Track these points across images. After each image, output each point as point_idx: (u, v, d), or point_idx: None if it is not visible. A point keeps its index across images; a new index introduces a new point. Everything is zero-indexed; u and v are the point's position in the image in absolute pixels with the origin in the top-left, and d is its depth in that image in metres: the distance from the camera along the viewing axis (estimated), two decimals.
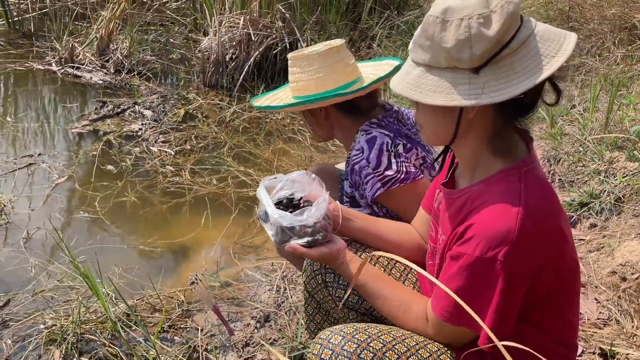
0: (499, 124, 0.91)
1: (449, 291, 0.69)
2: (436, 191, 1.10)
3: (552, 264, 0.89)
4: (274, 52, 3.41)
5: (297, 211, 1.06)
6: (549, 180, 2.04)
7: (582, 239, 1.77)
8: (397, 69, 1.39)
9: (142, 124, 2.85)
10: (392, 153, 1.32)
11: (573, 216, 1.88)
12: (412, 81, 0.88)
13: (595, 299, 1.53)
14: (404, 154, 1.33)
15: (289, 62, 1.42)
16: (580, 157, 2.10)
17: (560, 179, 2.09)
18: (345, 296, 1.15)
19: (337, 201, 1.20)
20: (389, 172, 1.30)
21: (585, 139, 2.16)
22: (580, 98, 2.60)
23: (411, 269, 1.21)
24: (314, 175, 1.16)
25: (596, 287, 1.56)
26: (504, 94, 0.85)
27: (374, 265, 1.17)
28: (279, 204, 1.13)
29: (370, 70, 1.46)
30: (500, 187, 0.89)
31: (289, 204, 1.14)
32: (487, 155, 0.93)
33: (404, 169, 1.31)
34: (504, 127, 0.92)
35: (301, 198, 1.16)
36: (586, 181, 2.00)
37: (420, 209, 1.21)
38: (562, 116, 2.43)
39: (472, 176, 0.96)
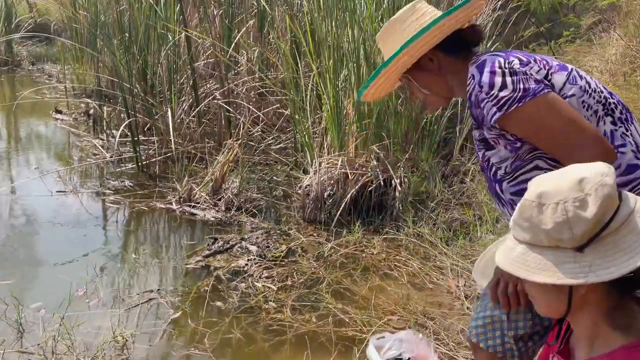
0: (614, 297, 0.92)
1: None
2: (550, 355, 1.09)
3: None
4: (369, 189, 3.61)
5: None
6: None
7: None
8: None
9: (248, 260, 3.06)
10: (507, 70, 1.18)
11: None
12: (517, 258, 0.92)
13: None
14: (522, 69, 1.18)
15: (380, 44, 1.41)
16: None
17: None
18: None
19: None
20: (503, 93, 1.17)
21: None
22: None
23: None
24: (421, 334, 1.21)
25: None
26: (612, 273, 0.86)
27: None
28: None
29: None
30: None
31: None
32: (605, 328, 0.93)
33: (522, 86, 1.16)
34: (621, 300, 0.92)
35: (409, 358, 1.20)
36: None
37: None
38: None
39: (591, 348, 0.95)
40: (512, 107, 1.16)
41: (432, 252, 3.11)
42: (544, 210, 0.89)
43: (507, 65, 1.18)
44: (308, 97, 4.00)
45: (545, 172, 1.18)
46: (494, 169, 1.30)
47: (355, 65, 3.67)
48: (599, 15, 4.44)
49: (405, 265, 3.01)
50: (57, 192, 3.98)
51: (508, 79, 1.16)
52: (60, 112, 5.97)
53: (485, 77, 1.19)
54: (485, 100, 1.19)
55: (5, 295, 2.55)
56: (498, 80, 1.17)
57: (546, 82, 1.19)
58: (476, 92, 1.20)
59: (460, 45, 1.33)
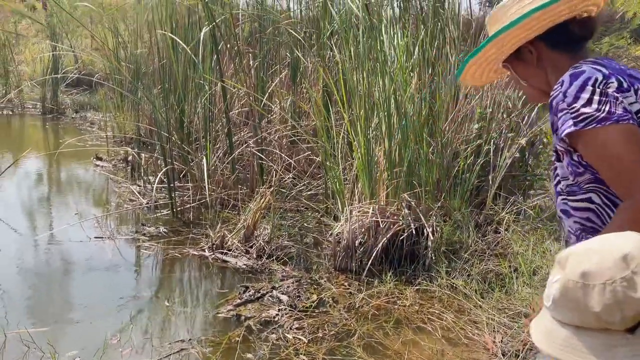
0: None
1: None
2: None
3: None
4: (401, 238, 3.57)
5: None
6: None
7: None
8: None
9: (279, 310, 3.04)
10: (598, 90, 1.11)
11: None
12: (564, 342, 0.88)
13: None
14: (615, 94, 1.11)
15: (488, 28, 1.32)
16: None
17: None
18: None
19: None
20: (586, 109, 1.10)
21: None
22: None
23: None
24: None
25: None
26: None
27: None
28: None
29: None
30: None
31: None
32: None
33: (607, 108, 1.09)
34: None
35: None
36: None
37: None
38: None
39: None
40: (590, 127, 1.11)
41: (467, 305, 3.03)
42: (590, 292, 0.84)
43: (601, 85, 1.13)
44: (339, 144, 4.06)
45: (597, 208, 1.18)
46: (557, 179, 1.27)
47: (386, 114, 3.72)
48: (633, 62, 4.42)
49: (439, 318, 2.94)
50: (95, 237, 4.08)
51: (595, 98, 1.11)
52: (100, 158, 6.20)
53: (573, 89, 1.14)
54: (565, 112, 1.14)
55: (42, 343, 2.60)
56: (585, 96, 1.12)
57: (635, 116, 1.13)
58: (558, 100, 1.16)
59: (566, 40, 1.24)
